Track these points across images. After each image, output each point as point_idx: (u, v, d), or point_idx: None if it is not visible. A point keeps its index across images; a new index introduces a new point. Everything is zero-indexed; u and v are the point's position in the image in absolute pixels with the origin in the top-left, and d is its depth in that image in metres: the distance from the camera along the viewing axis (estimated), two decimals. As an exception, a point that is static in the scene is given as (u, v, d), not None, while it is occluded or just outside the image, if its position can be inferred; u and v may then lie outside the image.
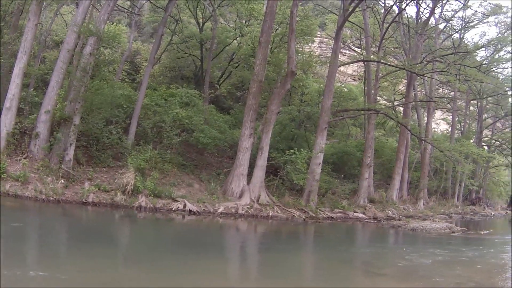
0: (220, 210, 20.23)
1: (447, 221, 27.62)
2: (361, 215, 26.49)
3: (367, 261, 13.82)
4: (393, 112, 36.25)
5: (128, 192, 18.40)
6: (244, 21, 34.35)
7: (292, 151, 23.65)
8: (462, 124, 52.05)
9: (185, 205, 19.28)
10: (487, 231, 25.07)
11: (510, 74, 48.62)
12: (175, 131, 23.05)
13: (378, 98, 39.33)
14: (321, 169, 26.06)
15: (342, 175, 31.56)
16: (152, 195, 19.10)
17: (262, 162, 22.99)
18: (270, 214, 21.48)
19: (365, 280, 10.52)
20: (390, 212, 29.29)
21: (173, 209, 19.02)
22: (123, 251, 11.83)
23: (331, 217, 24.43)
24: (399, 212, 30.31)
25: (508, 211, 48.76)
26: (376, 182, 34.25)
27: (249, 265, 12.05)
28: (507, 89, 46.99)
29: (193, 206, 19.55)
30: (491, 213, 43.55)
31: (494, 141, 52.73)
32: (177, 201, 19.52)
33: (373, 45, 37.27)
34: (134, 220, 17.22)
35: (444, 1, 36.78)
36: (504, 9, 38.77)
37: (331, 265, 12.09)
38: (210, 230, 17.63)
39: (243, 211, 20.78)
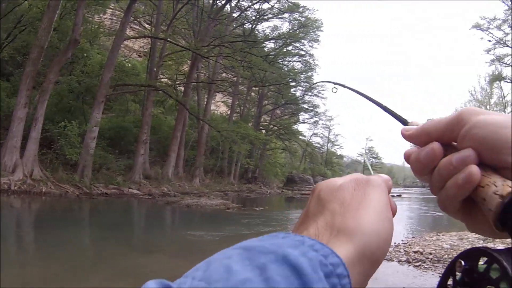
0: (-9, 186, 20.97)
1: (222, 198, 30.88)
2: (136, 191, 29.45)
3: (143, 238, 14.99)
4: (174, 91, 40.71)
5: None
6: (39, -18, 34.51)
7: (63, 123, 25.59)
8: (242, 108, 60.29)
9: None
10: (262, 208, 27.20)
11: (295, 67, 58.25)
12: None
13: (161, 76, 43.65)
14: (96, 144, 28.57)
15: (117, 151, 34.41)
16: None
17: (36, 134, 24.20)
18: (44, 190, 22.98)
19: (141, 257, 10.96)
20: (165, 189, 32.76)
21: None
22: None
23: (105, 193, 26.81)
24: (174, 188, 34.14)
25: (284, 190, 56.42)
26: (152, 158, 38.33)
27: (21, 245, 12.21)
28: (290, 80, 56.35)
29: (-38, 182, 20.23)
30: (267, 192, 49.48)
31: (272, 126, 62.34)
32: None
33: (164, 24, 41.05)
34: None
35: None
36: (301, 9, 46.48)
37: (107, 244, 12.67)
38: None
39: (16, 187, 21.88)
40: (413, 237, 15.50)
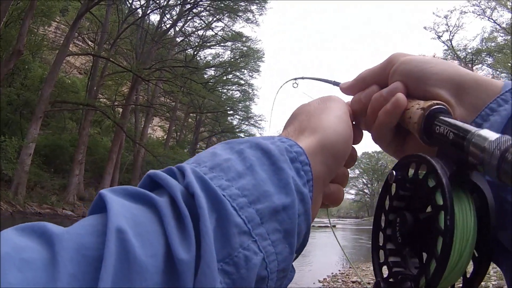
0: None
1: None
2: (70, 212, 28.80)
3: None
4: (112, 112, 40.25)
5: None
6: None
7: (2, 138, 24.92)
8: (179, 133, 60.76)
9: None
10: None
11: (233, 96, 60.14)
12: None
13: (100, 95, 43.09)
14: (32, 161, 27.70)
15: (53, 169, 33.65)
16: None
17: (-29, 146, 23.36)
18: (-24, 206, 22.06)
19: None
20: (99, 211, 32.30)
21: None
22: None
23: (39, 212, 26.11)
24: (108, 212, 33.63)
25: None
26: (87, 180, 37.53)
27: None
28: (227, 108, 57.36)
29: None
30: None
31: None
32: None
33: (108, 42, 40.95)
34: None
35: (188, 18, 43.17)
36: (244, 38, 47.88)
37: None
38: None
39: None
40: (350, 267, 15.61)
